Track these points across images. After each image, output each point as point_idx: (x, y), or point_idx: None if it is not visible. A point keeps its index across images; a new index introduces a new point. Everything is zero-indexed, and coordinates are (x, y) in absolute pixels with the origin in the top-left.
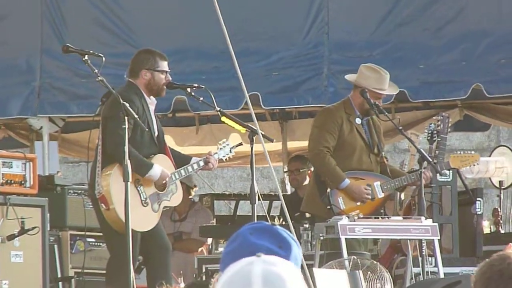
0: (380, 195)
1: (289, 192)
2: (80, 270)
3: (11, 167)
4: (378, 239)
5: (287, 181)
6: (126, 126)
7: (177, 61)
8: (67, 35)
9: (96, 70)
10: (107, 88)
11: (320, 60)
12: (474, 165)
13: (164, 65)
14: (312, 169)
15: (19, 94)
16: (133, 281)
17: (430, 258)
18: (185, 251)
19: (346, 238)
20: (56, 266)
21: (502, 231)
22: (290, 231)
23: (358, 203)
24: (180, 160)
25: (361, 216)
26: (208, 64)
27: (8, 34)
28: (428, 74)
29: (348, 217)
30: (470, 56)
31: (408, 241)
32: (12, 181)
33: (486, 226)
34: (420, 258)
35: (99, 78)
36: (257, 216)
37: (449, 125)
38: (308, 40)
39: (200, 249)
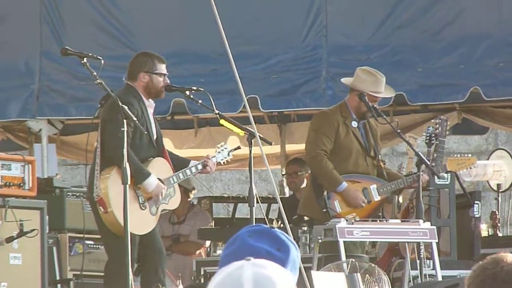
0: (376, 198)
1: (287, 195)
2: (78, 273)
3: (10, 169)
4: (376, 242)
5: (285, 184)
6: (125, 129)
7: (175, 64)
8: (66, 37)
9: (95, 73)
10: (105, 91)
11: (318, 63)
12: (470, 168)
13: (162, 68)
14: (309, 172)
15: (18, 97)
16: (131, 283)
17: (428, 261)
18: (183, 253)
19: (344, 241)
20: (55, 268)
21: (500, 234)
22: (288, 234)
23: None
24: (179, 163)
25: (358, 219)
26: (207, 67)
27: (7, 37)
28: (427, 77)
29: (347, 220)
30: (468, 59)
31: (406, 244)
32: (11, 184)
33: (484, 229)
34: (418, 261)
35: (98, 80)
36: (255, 218)
37: (447, 128)
38: (306, 43)
39: (198, 252)
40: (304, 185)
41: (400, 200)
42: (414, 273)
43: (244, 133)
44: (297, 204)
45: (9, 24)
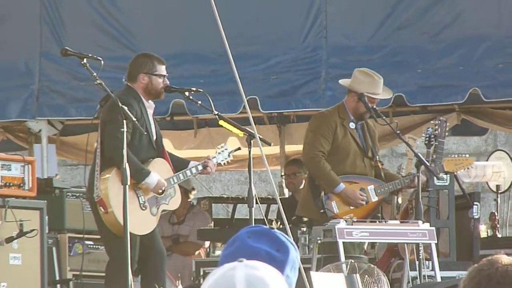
0: (374, 198)
1: (287, 196)
2: (78, 273)
3: (10, 170)
4: (376, 243)
5: (284, 185)
6: (125, 130)
7: (175, 65)
8: (66, 38)
9: (95, 74)
10: (105, 92)
11: (318, 64)
12: (468, 168)
13: (162, 69)
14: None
15: (18, 97)
16: (131, 284)
17: (427, 262)
18: (183, 254)
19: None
20: (55, 268)
21: (499, 235)
22: (288, 235)
23: (352, 207)
24: (179, 164)
25: (355, 220)
26: (207, 68)
27: (7, 37)
28: (426, 78)
29: (346, 221)
30: (468, 61)
31: (405, 245)
32: (11, 184)
33: (483, 230)
34: (417, 262)
35: (98, 81)
36: (254, 219)
37: (447, 129)
38: (306, 44)
39: (197, 252)
40: (302, 186)
41: (399, 201)
42: (413, 274)
43: (244, 134)
44: (296, 205)
45: (9, 24)
